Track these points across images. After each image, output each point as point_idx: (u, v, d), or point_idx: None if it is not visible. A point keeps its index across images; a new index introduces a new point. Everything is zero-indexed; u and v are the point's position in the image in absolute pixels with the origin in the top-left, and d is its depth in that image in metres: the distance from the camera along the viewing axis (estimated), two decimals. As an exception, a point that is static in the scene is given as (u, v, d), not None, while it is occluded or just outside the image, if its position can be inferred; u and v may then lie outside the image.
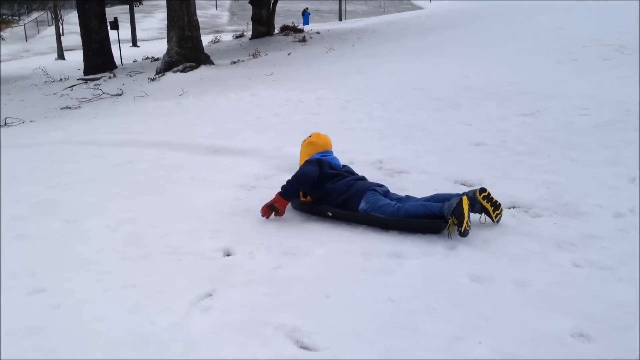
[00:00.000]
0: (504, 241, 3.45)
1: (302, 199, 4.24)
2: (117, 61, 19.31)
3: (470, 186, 4.38)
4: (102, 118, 9.82)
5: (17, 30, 39.16)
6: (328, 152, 4.45)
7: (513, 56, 9.68)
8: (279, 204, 4.02)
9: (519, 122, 6.01)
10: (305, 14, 37.12)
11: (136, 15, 35.14)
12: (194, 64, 13.99)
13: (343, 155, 5.15)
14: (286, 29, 21.38)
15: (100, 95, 13.12)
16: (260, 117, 7.27)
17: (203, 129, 7.06)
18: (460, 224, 3.42)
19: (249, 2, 21.60)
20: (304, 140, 4.53)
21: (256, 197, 4.46)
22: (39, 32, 41.98)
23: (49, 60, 28.84)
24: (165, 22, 15.41)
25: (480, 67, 8.99)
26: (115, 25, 19.75)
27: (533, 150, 5.12)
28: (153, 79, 13.71)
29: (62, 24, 35.16)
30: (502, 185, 4.31)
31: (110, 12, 19.53)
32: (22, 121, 11.34)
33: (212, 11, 48.30)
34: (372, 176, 4.66)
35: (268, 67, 12.86)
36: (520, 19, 14.01)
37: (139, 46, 32.36)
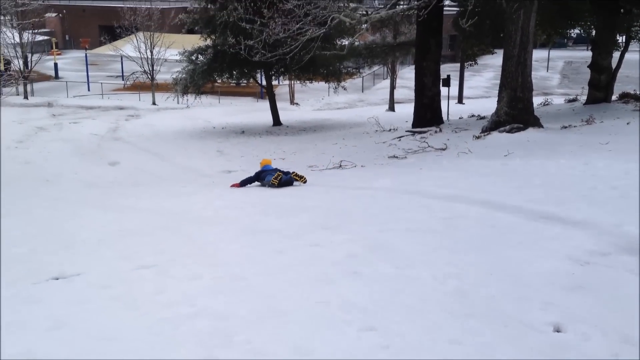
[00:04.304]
0: None
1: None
2: (444, 117, 20.01)
3: None
4: (427, 170, 10.23)
5: (356, 81, 43.24)
6: (267, 165, 10.06)
7: None
8: (236, 187, 9.88)
9: None
10: None
11: (465, 74, 36.15)
12: (521, 125, 13.73)
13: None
14: (626, 97, 19.84)
15: (425, 147, 13.68)
16: (595, 187, 6.79)
17: (531, 193, 6.85)
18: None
19: (588, 67, 20.67)
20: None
21: (591, 274, 4.14)
22: (374, 84, 45.73)
23: (380, 111, 31.14)
24: (493, 82, 15.51)
25: None
26: (447, 82, 20.53)
27: None
28: (478, 137, 13.82)
29: (396, 78, 37.72)
30: None
31: (442, 68, 20.30)
32: (354, 165, 12.41)
33: (542, 73, 47.31)
34: None
35: (603, 135, 12.02)
36: None
37: (464, 103, 33.18)
